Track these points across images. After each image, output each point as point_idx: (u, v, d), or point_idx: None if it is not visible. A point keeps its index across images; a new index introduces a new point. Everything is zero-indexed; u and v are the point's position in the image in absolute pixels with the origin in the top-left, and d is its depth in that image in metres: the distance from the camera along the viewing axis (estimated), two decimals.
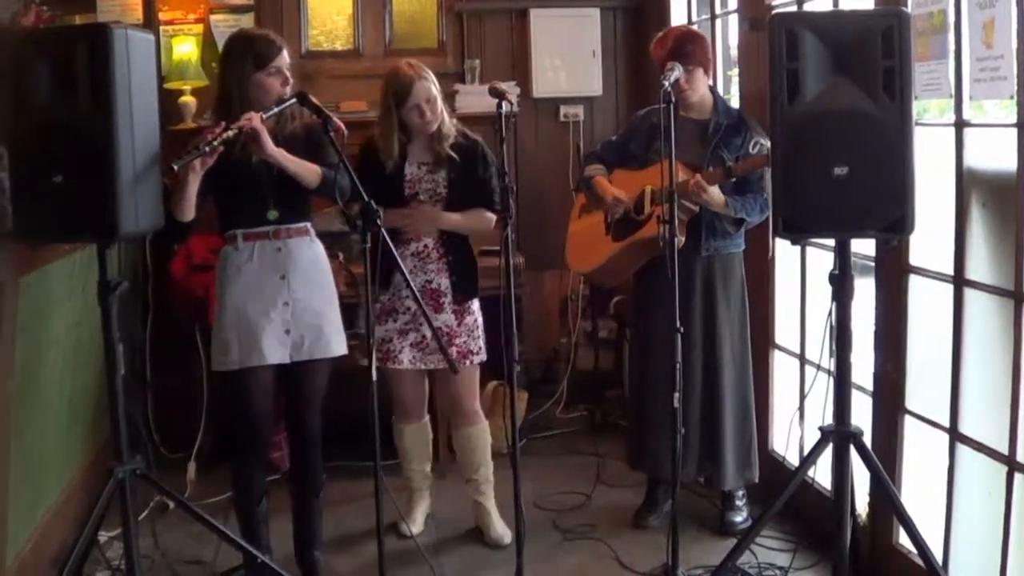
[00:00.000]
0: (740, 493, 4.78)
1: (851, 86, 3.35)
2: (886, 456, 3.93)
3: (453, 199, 4.54)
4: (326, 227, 4.34)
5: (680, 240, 4.08)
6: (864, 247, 4.12)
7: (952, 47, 3.56)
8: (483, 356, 4.68)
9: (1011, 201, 3.39)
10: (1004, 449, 3.42)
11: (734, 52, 5.56)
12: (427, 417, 4.87)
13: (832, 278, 3.55)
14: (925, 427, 3.90)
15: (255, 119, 3.77)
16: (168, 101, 5.47)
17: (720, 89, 5.38)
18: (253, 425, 4.09)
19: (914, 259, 3.93)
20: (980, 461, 3.60)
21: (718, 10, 5.66)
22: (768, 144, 4.04)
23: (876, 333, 4.12)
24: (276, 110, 3.88)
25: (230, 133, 3.72)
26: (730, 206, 4.39)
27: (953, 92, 3.59)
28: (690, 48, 4.45)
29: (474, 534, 4.81)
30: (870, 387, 4.18)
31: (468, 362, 4.59)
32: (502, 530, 4.74)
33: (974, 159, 3.62)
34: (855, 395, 3.70)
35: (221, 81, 4.04)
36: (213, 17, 6.16)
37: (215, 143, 3.67)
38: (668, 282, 3.75)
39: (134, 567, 3.69)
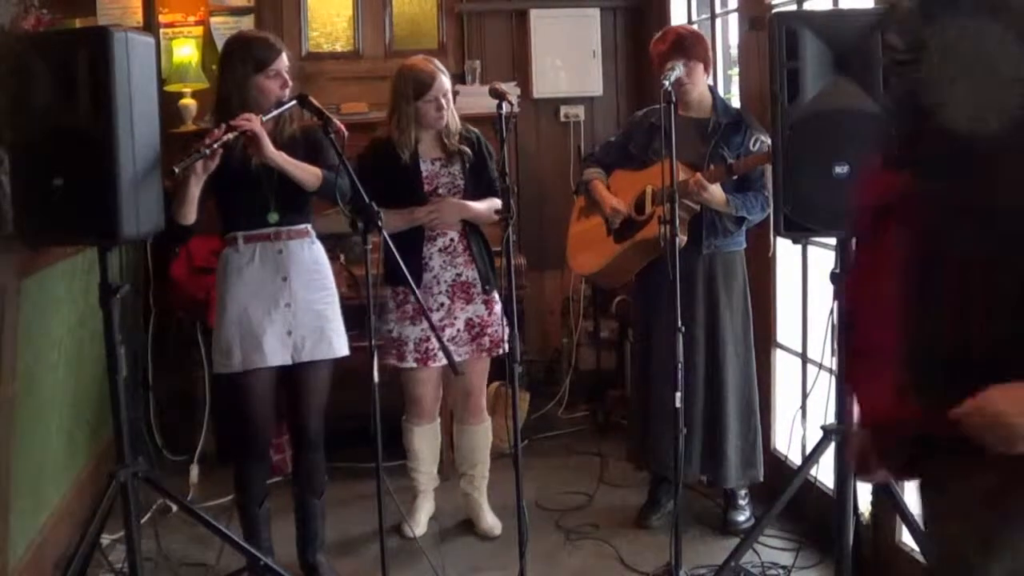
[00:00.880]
0: (743, 492, 4.78)
1: (851, 85, 3.36)
2: None
3: (470, 189, 4.57)
4: (327, 229, 4.34)
5: (682, 240, 4.08)
6: None
7: None
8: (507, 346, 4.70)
9: None
10: None
11: (734, 52, 5.56)
12: (439, 419, 4.87)
13: (833, 277, 3.56)
14: None
15: (254, 121, 3.77)
16: (168, 104, 5.47)
17: (720, 89, 5.39)
18: (255, 427, 4.10)
19: None
20: None
21: (718, 9, 5.67)
22: (769, 141, 4.05)
23: None
24: (275, 112, 3.89)
25: (230, 136, 3.72)
26: (731, 204, 4.39)
27: None
28: (690, 44, 4.45)
29: (475, 534, 4.81)
30: None
31: (501, 350, 4.59)
32: (493, 521, 4.79)
33: None
34: None
35: (220, 84, 4.04)
36: (213, 19, 6.17)
37: (215, 146, 3.67)
38: (670, 282, 3.75)
39: (137, 570, 3.70)
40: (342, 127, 3.78)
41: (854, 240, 2.75)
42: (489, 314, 4.62)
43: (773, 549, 4.45)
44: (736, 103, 5.17)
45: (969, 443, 1.86)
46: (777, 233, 3.56)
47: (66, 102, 3.37)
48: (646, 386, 4.76)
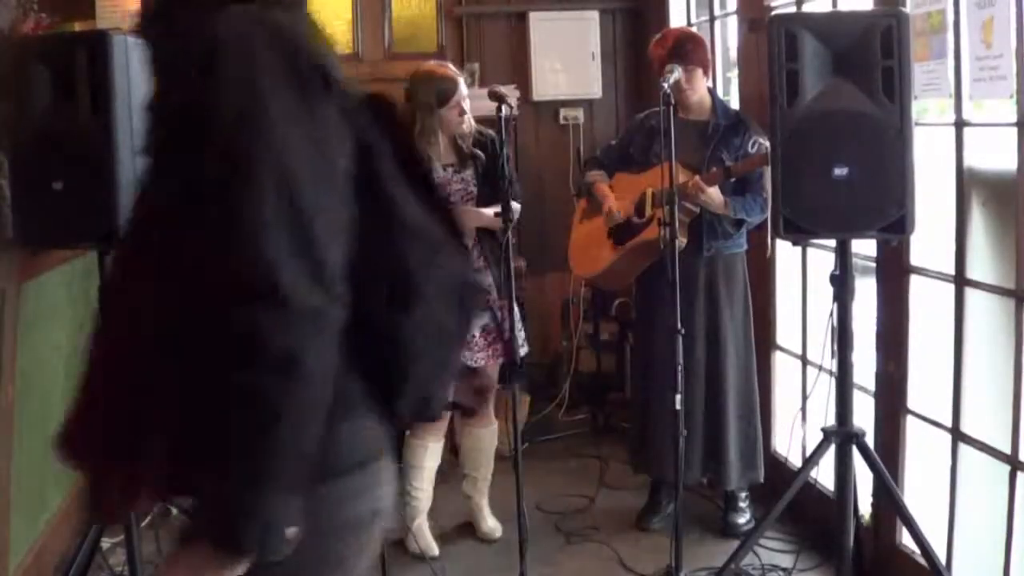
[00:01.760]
0: (743, 495, 4.78)
1: (850, 87, 3.36)
2: (888, 456, 3.93)
3: (484, 194, 4.52)
4: None
5: (682, 242, 4.09)
6: (865, 247, 4.12)
7: (951, 47, 3.56)
8: (527, 348, 4.70)
9: (1011, 200, 3.39)
10: (1007, 448, 3.42)
11: (733, 54, 5.56)
12: (443, 439, 4.76)
13: (833, 279, 3.56)
14: (927, 427, 3.90)
15: None
16: None
17: (719, 90, 5.39)
18: None
19: (915, 259, 3.93)
20: (982, 460, 3.59)
21: (717, 11, 5.67)
22: (767, 143, 4.05)
23: (877, 333, 4.12)
24: None
25: None
26: (730, 207, 4.39)
27: (952, 92, 3.59)
28: (689, 48, 4.45)
29: (476, 536, 4.81)
30: (872, 387, 4.18)
31: (518, 354, 4.55)
32: (494, 523, 4.77)
33: (974, 158, 3.62)
34: (857, 395, 3.70)
35: None
36: None
37: None
38: (670, 284, 3.75)
39: (137, 573, 3.69)
40: None
41: None
42: (503, 319, 4.58)
43: (773, 551, 4.45)
44: (735, 105, 5.17)
45: None
46: (776, 235, 3.56)
47: (65, 105, 3.37)
48: (646, 388, 4.76)
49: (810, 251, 4.61)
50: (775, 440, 5.04)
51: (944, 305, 3.73)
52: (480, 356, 4.52)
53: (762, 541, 4.34)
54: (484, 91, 4.24)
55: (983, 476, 3.61)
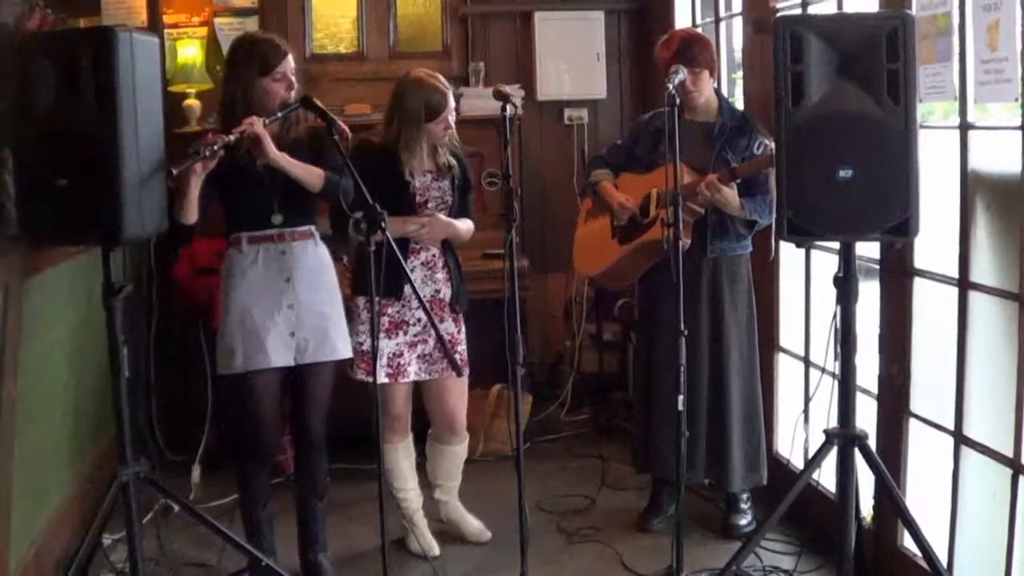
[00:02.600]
0: (745, 496, 4.78)
1: (855, 89, 3.35)
2: (890, 459, 3.93)
3: (455, 206, 4.52)
4: (330, 230, 4.33)
5: (686, 243, 4.08)
6: (868, 250, 4.12)
7: (956, 50, 3.55)
8: (467, 368, 4.63)
9: (1016, 203, 3.39)
10: (1009, 452, 3.42)
11: (738, 55, 5.56)
12: (411, 434, 4.72)
13: (836, 281, 3.55)
14: (930, 430, 3.90)
15: (256, 124, 3.77)
16: (172, 104, 5.49)
17: (724, 92, 5.38)
18: (258, 428, 4.10)
19: (919, 262, 3.92)
20: (985, 464, 3.59)
21: (722, 13, 5.67)
22: (772, 145, 4.04)
23: (880, 336, 4.11)
24: (280, 115, 3.88)
25: (231, 137, 3.72)
26: (745, 208, 4.38)
27: (957, 95, 3.59)
28: (695, 50, 4.44)
29: (468, 540, 4.81)
30: (874, 390, 4.18)
31: (467, 370, 4.56)
32: (479, 523, 4.78)
33: (979, 162, 3.61)
34: (859, 398, 3.70)
35: (226, 86, 4.03)
36: (217, 20, 6.18)
37: (215, 147, 3.68)
38: (673, 284, 3.75)
39: (138, 570, 3.69)
40: (346, 129, 3.79)
41: None
42: (458, 332, 4.56)
43: (775, 553, 4.44)
44: (740, 106, 5.16)
45: None
46: (780, 237, 3.55)
47: (70, 102, 3.37)
48: (649, 389, 4.76)
49: (814, 253, 4.61)
50: (777, 442, 5.04)
51: (947, 308, 3.73)
52: (436, 368, 4.52)
53: (764, 542, 4.35)
54: (489, 90, 4.23)
55: (985, 479, 3.61)
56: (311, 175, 3.92)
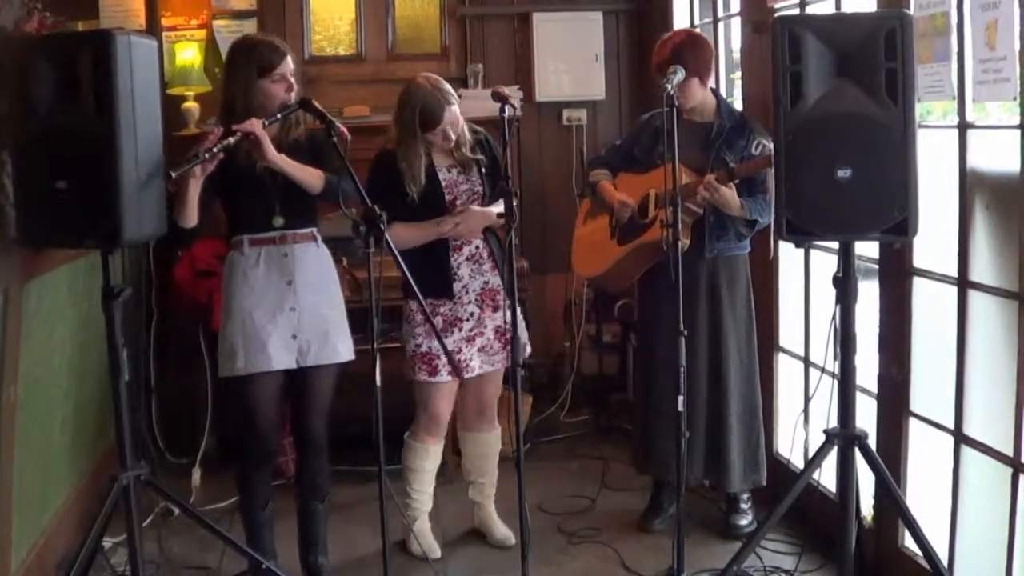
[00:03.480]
0: (745, 496, 4.78)
1: (854, 89, 3.36)
2: (891, 459, 3.93)
3: (488, 194, 4.49)
4: (330, 232, 4.33)
5: (684, 243, 4.08)
6: (868, 249, 4.12)
7: (955, 49, 3.56)
8: (529, 348, 4.67)
9: (1014, 202, 3.39)
10: (1009, 451, 3.42)
11: (737, 55, 5.56)
12: (443, 441, 4.72)
13: (836, 281, 3.56)
14: (930, 429, 3.90)
15: (256, 125, 3.77)
16: (171, 107, 5.48)
17: (723, 92, 5.39)
18: (259, 431, 4.09)
19: (918, 261, 3.93)
20: (985, 463, 3.59)
21: (720, 13, 5.67)
22: (770, 145, 4.04)
23: (880, 335, 4.11)
24: (279, 116, 3.88)
25: (230, 140, 3.72)
26: (745, 207, 4.38)
27: (956, 94, 3.59)
28: (692, 51, 4.44)
29: (478, 537, 4.81)
30: (874, 390, 4.18)
31: (526, 354, 4.54)
32: (506, 531, 4.73)
33: (977, 161, 3.62)
34: (859, 398, 3.70)
35: (225, 88, 4.03)
36: (216, 23, 6.18)
37: (214, 150, 3.67)
38: (672, 285, 3.75)
39: (139, 573, 3.69)
40: (345, 131, 3.78)
41: None
42: (517, 318, 4.53)
43: (775, 553, 4.45)
44: (739, 107, 5.16)
45: None
46: (779, 237, 3.55)
47: (69, 105, 3.37)
48: (648, 390, 4.75)
49: (813, 253, 4.61)
50: (777, 442, 5.04)
51: (947, 307, 3.73)
52: (496, 359, 4.53)
53: (764, 543, 4.35)
54: (487, 92, 4.22)
55: (985, 478, 3.61)
56: (311, 176, 3.92)
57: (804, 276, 4.70)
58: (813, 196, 3.38)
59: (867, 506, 4.12)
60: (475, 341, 4.48)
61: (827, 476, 3.90)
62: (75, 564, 3.53)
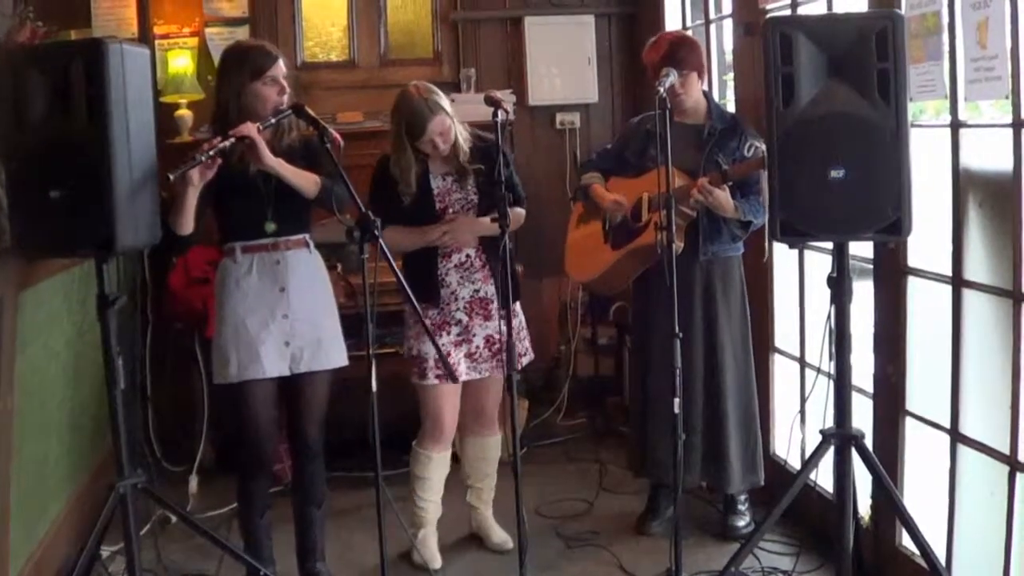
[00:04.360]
0: (742, 497, 4.78)
1: (846, 89, 3.36)
2: (887, 458, 3.93)
3: (484, 204, 4.44)
4: (324, 238, 4.33)
5: (678, 246, 4.08)
6: (862, 249, 4.12)
7: (946, 48, 3.56)
8: (531, 355, 4.67)
9: (1008, 201, 3.39)
10: (1005, 449, 3.42)
11: (729, 57, 5.57)
12: (451, 448, 4.68)
13: (830, 281, 3.56)
14: (926, 428, 3.90)
15: (251, 128, 3.77)
16: (164, 115, 5.48)
17: (715, 94, 5.39)
18: (254, 437, 4.09)
19: (912, 260, 3.93)
20: (981, 461, 3.60)
21: (712, 15, 5.68)
22: (763, 146, 4.05)
23: (875, 335, 4.12)
24: (272, 121, 3.88)
25: (226, 143, 3.72)
26: (739, 209, 4.38)
27: (948, 93, 3.60)
28: (684, 53, 4.44)
29: (476, 542, 4.80)
30: (870, 389, 4.18)
31: (521, 364, 4.50)
32: (503, 535, 4.73)
33: (970, 160, 3.62)
34: (855, 397, 3.70)
35: (218, 92, 4.03)
36: (208, 30, 6.19)
37: (211, 153, 3.67)
38: (667, 288, 3.75)
39: None
40: (338, 137, 3.77)
41: None
42: (513, 329, 4.49)
43: (773, 554, 4.45)
44: (731, 108, 5.16)
45: None
46: (773, 238, 3.55)
47: (62, 114, 3.37)
48: (644, 392, 4.75)
49: (807, 253, 4.62)
50: (774, 442, 5.04)
51: (942, 306, 3.73)
52: (485, 367, 4.51)
53: (762, 543, 4.35)
54: (480, 96, 4.22)
55: (982, 477, 3.61)
56: (306, 180, 3.92)
57: (799, 277, 4.71)
58: (806, 197, 3.39)
59: (864, 506, 4.11)
60: (462, 347, 4.47)
61: (824, 476, 3.90)
62: (73, 573, 3.53)
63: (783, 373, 5.00)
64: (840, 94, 3.36)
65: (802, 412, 4.31)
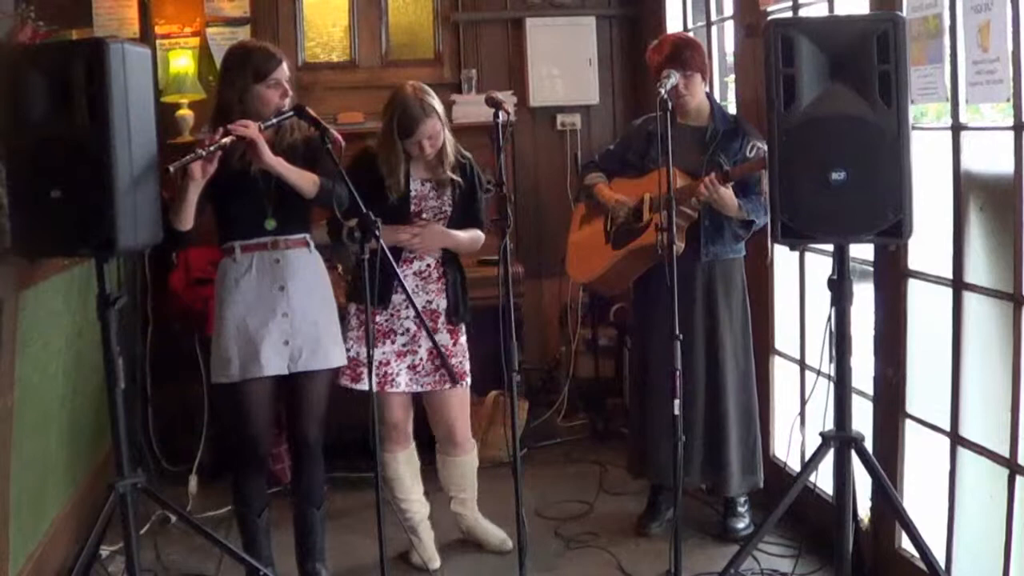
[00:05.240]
0: (742, 499, 4.78)
1: (847, 91, 3.36)
2: (887, 460, 3.93)
3: (455, 217, 4.46)
4: (323, 238, 4.32)
5: (679, 247, 4.08)
6: (863, 252, 4.12)
7: (948, 51, 3.56)
8: (469, 380, 4.58)
9: (1009, 204, 3.39)
10: (1005, 452, 3.42)
11: (730, 59, 5.57)
12: (414, 442, 4.68)
13: (831, 283, 3.56)
14: (926, 431, 3.90)
15: (251, 126, 3.77)
16: (165, 115, 5.47)
17: (716, 96, 5.39)
18: (254, 437, 4.09)
19: (913, 263, 3.93)
20: (981, 464, 3.60)
21: (714, 17, 5.68)
22: (764, 147, 4.05)
23: (876, 337, 4.12)
24: (274, 122, 3.88)
25: (227, 140, 3.72)
26: (742, 208, 4.38)
27: (949, 96, 3.60)
28: (687, 54, 4.45)
29: (475, 543, 4.79)
30: (870, 392, 4.18)
31: (463, 383, 4.50)
32: (502, 533, 4.72)
33: (971, 162, 3.62)
34: (855, 400, 3.70)
35: (220, 93, 4.03)
36: (209, 30, 6.18)
37: (212, 149, 3.67)
38: (668, 289, 3.75)
39: None
40: (339, 137, 3.78)
41: None
42: (454, 344, 4.47)
43: (773, 556, 4.45)
44: (733, 110, 5.16)
45: None
46: (774, 240, 3.55)
47: (63, 114, 3.37)
48: (644, 394, 4.75)
49: (808, 256, 4.62)
50: (774, 445, 5.04)
51: (942, 309, 3.73)
52: (427, 380, 4.46)
53: (761, 545, 4.35)
54: (481, 97, 4.22)
55: (982, 480, 3.61)
56: (306, 180, 3.92)
57: (799, 279, 4.71)
58: (807, 199, 3.38)
59: (864, 508, 4.11)
60: (405, 358, 4.44)
61: (824, 478, 3.90)
62: (72, 573, 3.53)
63: (783, 375, 5.00)
64: (841, 96, 3.36)
65: (802, 414, 4.31)
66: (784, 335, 4.97)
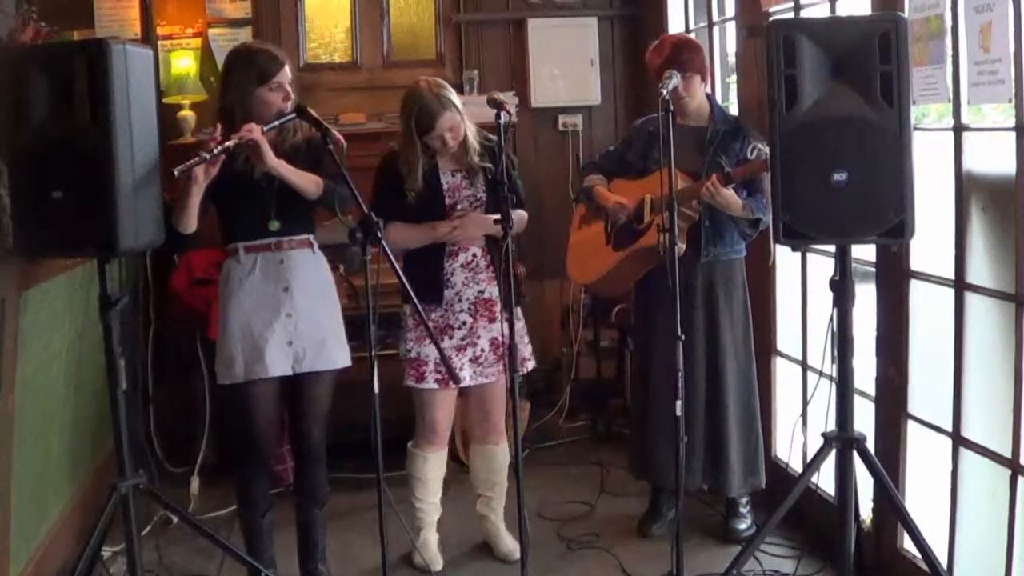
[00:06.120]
0: (744, 500, 4.78)
1: (849, 92, 3.36)
2: (889, 461, 3.93)
3: (492, 203, 4.40)
4: (327, 239, 4.32)
5: (680, 248, 4.08)
6: (865, 252, 4.12)
7: (950, 51, 3.56)
8: (534, 363, 4.62)
9: (1010, 204, 3.39)
10: (1007, 452, 3.42)
11: (732, 60, 5.57)
12: (446, 448, 4.66)
13: (833, 284, 3.56)
14: (928, 432, 3.90)
15: (255, 130, 3.77)
16: (167, 116, 5.48)
17: (718, 97, 5.39)
18: (257, 438, 4.09)
19: (915, 264, 3.93)
20: (983, 465, 3.60)
21: (715, 18, 5.67)
22: (766, 149, 4.05)
23: (878, 338, 4.12)
24: (276, 124, 3.88)
25: (230, 143, 3.72)
26: (747, 207, 4.37)
27: (951, 96, 3.60)
28: (687, 55, 4.45)
29: (478, 547, 4.79)
30: (872, 392, 4.18)
31: (525, 368, 4.48)
32: (512, 545, 4.66)
33: (973, 163, 3.62)
34: (857, 400, 3.70)
35: (223, 95, 4.03)
36: (211, 31, 6.19)
37: (216, 152, 3.68)
38: (669, 290, 3.75)
39: None
40: (341, 138, 3.78)
41: None
42: (512, 333, 4.48)
43: (775, 557, 4.44)
44: (734, 111, 5.16)
45: None
46: (776, 241, 3.55)
47: (64, 114, 3.37)
48: (646, 395, 4.75)
49: (810, 256, 4.62)
50: (776, 445, 5.04)
51: (944, 310, 3.73)
52: (491, 371, 4.48)
53: (763, 546, 4.34)
54: (483, 98, 4.21)
55: (984, 480, 3.61)
56: (308, 182, 3.92)
57: (801, 280, 4.71)
58: (809, 200, 3.38)
59: (866, 509, 4.12)
60: (466, 351, 4.44)
61: (826, 479, 3.90)
62: (74, 573, 3.53)
63: (785, 376, 5.00)
64: (843, 97, 3.36)
65: (804, 415, 4.30)
66: (786, 336, 4.97)
